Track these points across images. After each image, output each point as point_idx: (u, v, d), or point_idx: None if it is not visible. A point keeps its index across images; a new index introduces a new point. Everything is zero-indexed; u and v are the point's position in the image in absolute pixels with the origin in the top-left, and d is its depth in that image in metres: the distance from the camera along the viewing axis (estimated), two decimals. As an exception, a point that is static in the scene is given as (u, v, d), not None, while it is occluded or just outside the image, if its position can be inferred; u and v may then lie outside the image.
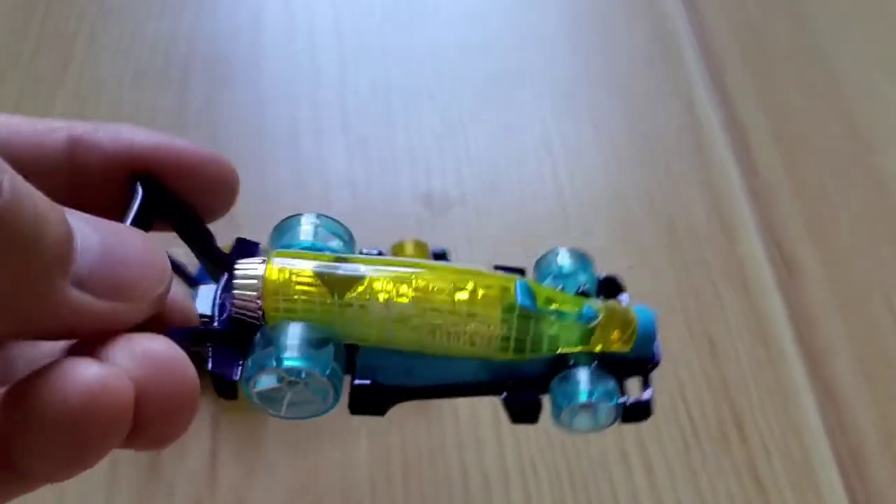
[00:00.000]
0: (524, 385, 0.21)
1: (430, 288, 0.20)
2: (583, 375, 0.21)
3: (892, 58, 0.49)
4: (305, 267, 0.19)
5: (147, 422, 0.16)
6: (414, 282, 0.20)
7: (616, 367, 0.21)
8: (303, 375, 0.19)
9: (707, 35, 0.50)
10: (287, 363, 0.18)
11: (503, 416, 0.36)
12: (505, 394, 0.21)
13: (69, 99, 0.47)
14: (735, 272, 0.41)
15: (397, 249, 0.38)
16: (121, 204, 0.20)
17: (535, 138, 0.46)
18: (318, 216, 0.22)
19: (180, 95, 0.47)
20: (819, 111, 0.47)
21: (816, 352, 0.39)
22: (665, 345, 0.39)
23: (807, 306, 0.40)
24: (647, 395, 0.21)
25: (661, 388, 0.37)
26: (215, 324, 0.20)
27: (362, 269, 0.20)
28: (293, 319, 0.19)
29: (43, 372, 0.15)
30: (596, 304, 0.21)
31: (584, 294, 0.22)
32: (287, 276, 0.19)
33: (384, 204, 0.43)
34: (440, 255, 0.39)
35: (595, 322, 0.21)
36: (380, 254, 0.22)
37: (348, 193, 0.44)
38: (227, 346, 0.19)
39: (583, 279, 0.22)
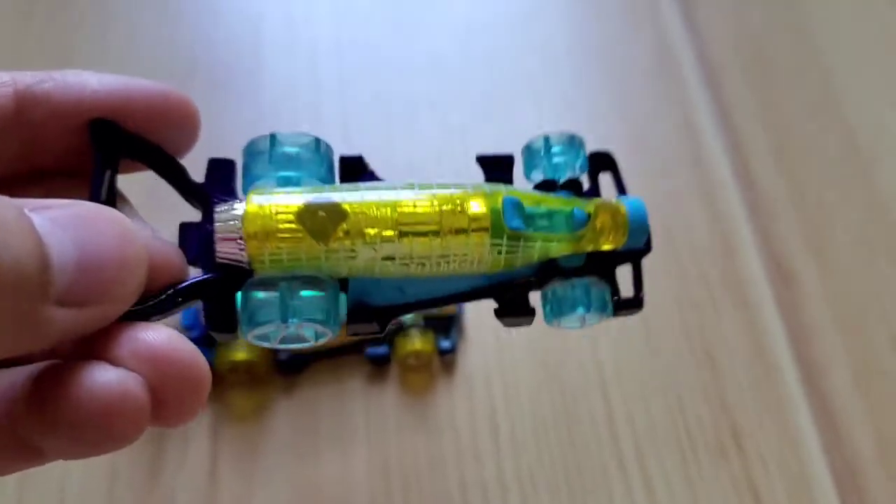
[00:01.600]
0: (516, 288, 0.21)
1: (416, 216, 0.19)
2: (578, 287, 0.21)
3: (891, 73, 0.49)
4: (286, 208, 0.19)
5: (160, 410, 0.17)
6: (399, 209, 0.19)
7: (607, 261, 0.21)
8: (302, 328, 0.19)
9: (706, 50, 0.50)
10: (275, 318, 0.18)
11: (501, 426, 0.37)
12: (497, 306, 0.21)
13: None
14: (733, 286, 0.41)
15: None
16: (81, 151, 0.19)
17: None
18: (296, 135, 0.21)
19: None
20: (818, 126, 0.47)
21: (813, 366, 0.39)
22: (663, 358, 0.40)
23: (804, 320, 0.40)
24: (640, 292, 0.22)
25: (659, 402, 0.38)
26: (203, 274, 0.19)
27: (343, 202, 0.19)
28: (280, 267, 0.19)
29: (65, 373, 0.16)
30: (585, 204, 0.21)
31: (574, 183, 0.22)
32: (268, 219, 0.19)
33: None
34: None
35: (585, 227, 0.21)
36: (359, 158, 0.22)
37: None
38: (218, 296, 0.19)
39: (574, 163, 0.22)
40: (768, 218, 0.44)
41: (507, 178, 0.22)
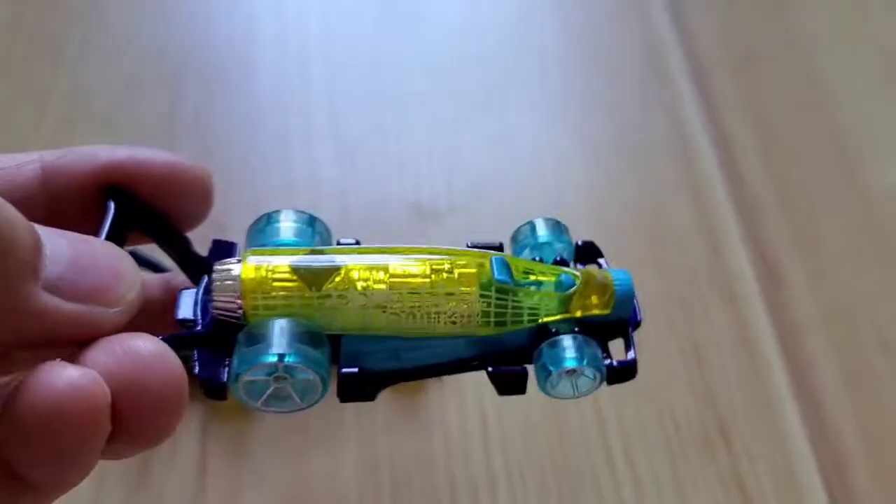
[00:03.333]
0: (509, 357, 0.22)
1: (407, 272, 0.20)
2: (569, 341, 0.21)
3: (878, 73, 0.50)
4: (281, 263, 0.20)
5: (133, 418, 0.16)
6: (390, 267, 0.20)
7: (598, 330, 0.22)
8: (294, 372, 0.19)
9: (696, 50, 0.50)
10: (270, 359, 0.19)
11: (491, 425, 0.37)
12: (490, 368, 0.21)
13: (60, 106, 0.47)
14: (721, 283, 0.41)
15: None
16: (97, 218, 0.20)
17: (525, 149, 0.46)
18: (294, 212, 0.22)
19: (172, 103, 0.47)
20: (806, 125, 0.47)
21: (800, 362, 0.39)
22: (651, 354, 0.40)
23: (791, 317, 0.41)
24: (630, 355, 0.22)
25: (646, 399, 0.38)
26: (198, 328, 0.20)
27: (338, 259, 0.20)
28: (274, 316, 0.19)
29: (25, 378, 0.16)
30: (572, 272, 0.22)
31: (561, 262, 0.23)
32: (263, 273, 0.19)
33: (374, 212, 0.44)
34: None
35: (573, 289, 0.21)
36: (357, 243, 0.22)
37: (338, 202, 0.44)
38: (211, 349, 0.20)
39: (559, 247, 0.23)
40: (756, 216, 0.44)
41: None
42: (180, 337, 0.19)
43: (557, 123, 0.47)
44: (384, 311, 0.20)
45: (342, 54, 0.50)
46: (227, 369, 0.19)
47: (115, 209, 0.20)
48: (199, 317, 0.20)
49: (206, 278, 0.21)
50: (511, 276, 0.21)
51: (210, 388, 0.19)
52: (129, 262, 0.18)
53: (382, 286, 0.20)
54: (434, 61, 0.50)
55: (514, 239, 0.24)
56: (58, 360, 0.16)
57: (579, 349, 0.21)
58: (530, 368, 0.22)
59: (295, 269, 0.19)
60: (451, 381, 0.38)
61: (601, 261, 0.23)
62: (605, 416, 0.38)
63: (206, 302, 0.20)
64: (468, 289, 0.20)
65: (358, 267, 0.20)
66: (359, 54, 0.50)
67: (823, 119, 0.47)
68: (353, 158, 0.46)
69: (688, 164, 0.46)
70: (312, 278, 0.19)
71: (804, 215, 0.44)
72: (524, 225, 0.23)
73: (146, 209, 0.21)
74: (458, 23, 0.51)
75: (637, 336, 0.23)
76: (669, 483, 0.36)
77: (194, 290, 0.21)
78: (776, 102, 0.48)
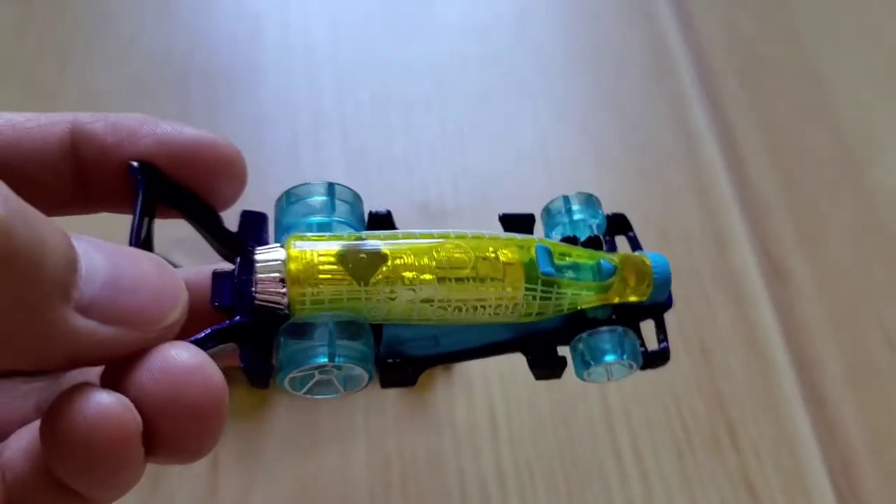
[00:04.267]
0: (545, 341, 0.22)
1: (453, 261, 0.19)
2: (609, 335, 0.21)
3: (882, 73, 0.50)
4: (327, 253, 0.19)
5: (172, 435, 0.16)
6: (436, 256, 0.19)
7: (633, 314, 0.22)
8: (341, 368, 0.19)
9: (701, 51, 0.50)
10: (321, 360, 0.18)
11: (500, 422, 0.37)
12: (530, 357, 0.22)
13: (67, 108, 0.46)
14: (727, 282, 0.42)
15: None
16: (128, 192, 0.20)
17: (531, 150, 0.46)
18: (325, 185, 0.21)
19: (178, 106, 0.47)
20: (811, 125, 0.48)
21: (807, 361, 0.40)
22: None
23: (797, 316, 0.41)
24: (664, 343, 0.22)
25: (654, 397, 0.38)
26: (238, 317, 0.19)
27: (383, 247, 0.19)
28: (320, 308, 0.19)
29: (58, 400, 0.16)
30: (611, 257, 0.22)
31: (594, 239, 0.23)
32: (310, 262, 0.19)
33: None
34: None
35: (612, 278, 0.21)
36: (388, 213, 0.22)
37: (346, 203, 0.44)
38: (254, 340, 0.19)
39: (592, 223, 0.23)
40: (762, 215, 0.44)
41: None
42: (221, 330, 0.19)
43: (563, 123, 0.48)
44: (431, 305, 0.20)
45: (349, 56, 0.50)
46: (271, 362, 0.19)
47: (143, 185, 0.19)
48: (237, 302, 0.19)
49: (239, 259, 0.20)
50: (554, 265, 0.20)
51: (254, 380, 0.19)
52: (173, 278, 0.17)
53: (429, 278, 0.19)
54: (440, 63, 0.50)
55: (547, 212, 0.23)
56: (89, 384, 0.16)
57: (619, 342, 0.21)
58: (565, 350, 0.22)
59: (341, 260, 0.19)
60: (459, 378, 0.38)
61: (631, 234, 0.24)
62: (614, 414, 0.38)
63: (242, 284, 0.19)
64: (515, 283, 0.20)
65: (404, 253, 0.19)
66: (365, 56, 0.50)
67: (829, 119, 0.48)
68: (361, 160, 0.46)
69: (693, 163, 0.46)
70: (359, 271, 0.19)
71: (810, 215, 0.44)
72: (557, 200, 0.23)
73: (176, 187, 0.20)
74: (462, 25, 0.52)
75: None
76: (677, 480, 0.36)
77: (229, 270, 0.20)
78: (782, 102, 0.48)
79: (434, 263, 0.19)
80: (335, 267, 0.19)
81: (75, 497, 0.17)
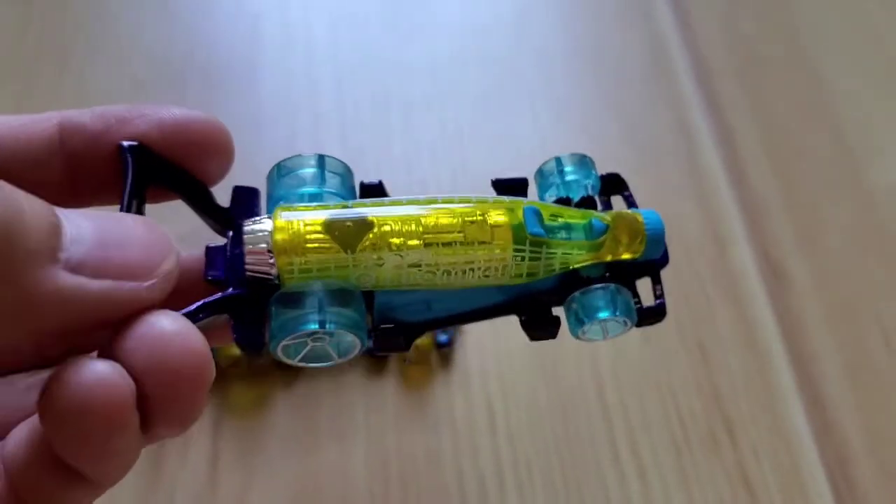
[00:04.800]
0: (539, 302, 0.22)
1: (439, 225, 0.20)
2: (601, 292, 0.21)
3: (880, 73, 0.50)
4: (313, 221, 0.19)
5: (160, 400, 0.17)
6: (423, 221, 0.20)
7: (627, 271, 0.22)
8: (333, 335, 0.19)
9: (700, 51, 0.51)
10: (312, 327, 0.19)
11: (498, 420, 0.37)
12: (524, 317, 0.22)
13: (66, 108, 0.47)
14: (726, 281, 0.42)
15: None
16: (117, 179, 0.20)
17: (531, 150, 0.46)
18: (315, 157, 0.21)
19: (177, 105, 0.47)
20: (809, 125, 0.48)
21: (804, 359, 0.40)
22: (657, 352, 0.40)
23: (795, 315, 0.41)
24: (660, 300, 0.22)
25: (652, 395, 0.38)
26: (230, 290, 0.19)
27: (369, 215, 0.19)
28: (309, 277, 0.19)
29: (55, 372, 0.16)
30: (602, 216, 0.21)
31: (588, 200, 0.22)
32: (296, 233, 0.19)
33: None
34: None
35: (604, 236, 0.21)
36: (379, 183, 0.22)
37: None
38: (247, 310, 0.19)
39: (586, 183, 0.23)
40: (760, 214, 0.44)
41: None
42: (213, 302, 0.19)
43: (562, 124, 0.48)
44: (419, 269, 0.20)
45: (348, 56, 0.50)
46: (263, 332, 0.19)
47: (134, 164, 0.19)
48: (230, 274, 0.20)
49: (231, 233, 0.20)
50: (544, 226, 0.20)
51: (247, 348, 0.19)
52: (161, 233, 0.18)
53: (416, 243, 0.19)
54: (439, 62, 0.50)
55: (540, 173, 0.23)
56: (86, 356, 0.16)
57: (612, 299, 0.21)
58: (559, 311, 0.22)
59: (327, 228, 0.19)
60: (457, 376, 0.38)
61: (627, 194, 0.24)
62: (612, 411, 0.38)
63: (234, 257, 0.20)
64: (502, 244, 0.20)
65: (390, 220, 0.19)
66: (365, 56, 0.50)
67: (827, 118, 0.48)
68: (360, 159, 0.46)
69: (692, 163, 0.46)
70: (346, 238, 0.19)
71: (808, 214, 0.44)
72: (550, 161, 0.23)
73: (165, 164, 0.20)
74: (462, 25, 0.52)
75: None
76: (675, 479, 0.36)
77: (221, 245, 0.20)
78: (781, 102, 0.48)
79: (421, 229, 0.19)
80: (322, 236, 0.19)
81: (77, 479, 0.17)
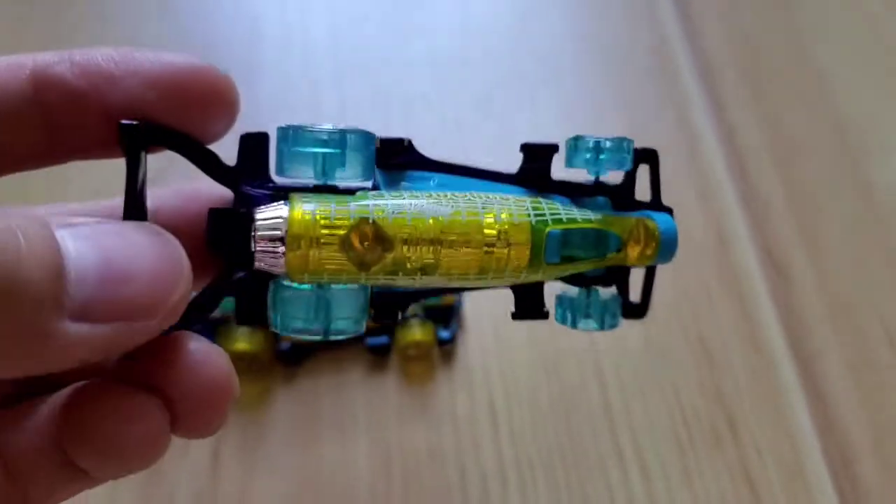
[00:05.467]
0: (535, 285, 0.22)
1: (459, 238, 0.19)
2: (592, 298, 0.22)
3: (883, 69, 0.50)
4: (329, 240, 0.18)
5: (190, 419, 0.17)
6: (443, 238, 0.19)
7: (626, 267, 0.22)
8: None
9: (703, 49, 0.51)
10: (314, 335, 0.19)
11: (500, 417, 0.37)
12: (517, 298, 0.22)
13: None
14: (729, 279, 0.42)
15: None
16: (103, 138, 0.18)
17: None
18: (338, 134, 0.19)
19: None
20: (811, 122, 0.48)
21: (807, 356, 0.40)
22: (660, 350, 0.40)
23: (798, 312, 0.41)
24: (643, 298, 0.23)
25: (655, 393, 0.38)
26: (236, 272, 0.19)
27: (389, 227, 0.18)
28: (317, 281, 0.19)
29: (81, 395, 0.17)
30: (620, 226, 0.21)
31: (610, 188, 0.23)
32: (313, 245, 0.18)
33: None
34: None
35: (616, 254, 0.21)
36: (409, 144, 0.21)
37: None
38: (250, 292, 0.19)
39: (620, 163, 0.22)
40: (762, 211, 0.44)
41: (545, 167, 0.22)
42: (217, 289, 0.19)
43: (564, 123, 0.48)
44: (430, 282, 0.20)
45: (348, 56, 0.50)
46: (265, 311, 0.19)
47: (139, 150, 0.18)
48: (235, 248, 0.19)
49: (236, 195, 0.19)
50: (563, 253, 0.20)
51: (248, 325, 0.20)
52: (170, 251, 0.16)
53: (431, 263, 0.19)
54: (440, 62, 0.50)
55: (575, 145, 0.22)
56: (111, 382, 0.17)
57: (601, 310, 0.22)
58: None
59: (344, 247, 0.18)
60: (460, 373, 0.38)
61: (656, 174, 0.24)
62: (614, 409, 0.38)
63: (241, 231, 0.18)
64: (518, 262, 0.20)
65: (409, 235, 0.19)
66: (365, 56, 0.50)
67: (829, 116, 0.48)
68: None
69: (695, 162, 0.46)
70: (361, 260, 0.18)
71: (810, 211, 0.44)
72: (588, 139, 0.22)
73: (167, 132, 0.18)
74: (463, 23, 0.52)
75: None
76: (678, 476, 0.36)
77: (227, 209, 0.19)
78: (783, 100, 0.49)
79: (438, 254, 0.19)
80: (337, 254, 0.18)
81: (82, 475, 0.17)
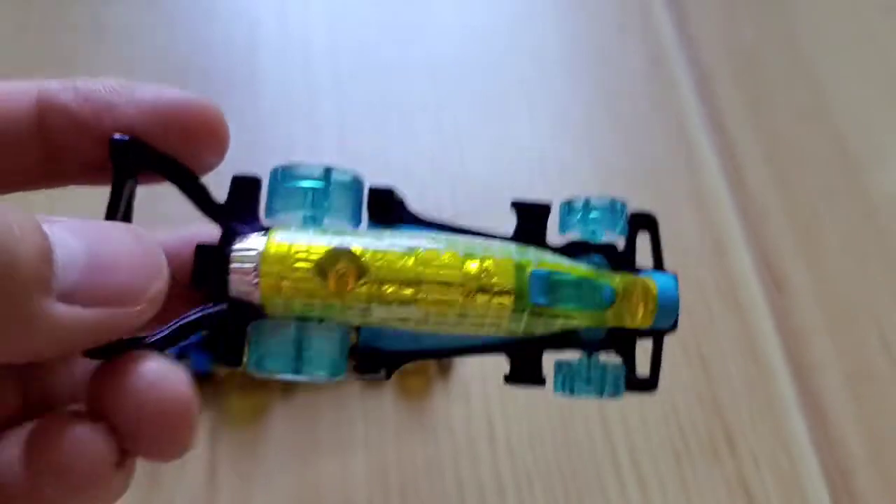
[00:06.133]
0: (531, 348, 0.21)
1: (438, 278, 0.18)
2: (592, 366, 0.20)
3: (880, 79, 0.50)
4: (305, 257, 0.18)
5: (146, 443, 0.17)
6: (420, 271, 0.18)
7: (629, 334, 0.21)
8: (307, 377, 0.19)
9: (699, 57, 0.50)
10: (286, 373, 0.18)
11: (497, 431, 0.37)
12: (512, 363, 0.21)
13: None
14: (726, 290, 0.42)
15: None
16: (102, 165, 0.19)
17: (529, 156, 0.46)
18: (322, 170, 0.20)
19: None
20: (808, 131, 0.48)
21: (805, 368, 0.40)
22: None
23: (796, 323, 0.41)
24: (652, 370, 0.21)
25: (652, 404, 0.38)
26: (212, 305, 0.19)
27: (365, 257, 0.18)
28: (292, 311, 0.19)
29: (39, 428, 0.17)
30: (615, 280, 0.20)
31: (609, 248, 0.21)
32: (286, 268, 0.18)
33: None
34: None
35: (611, 308, 0.20)
36: (390, 192, 0.21)
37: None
38: (227, 328, 0.19)
39: (614, 227, 0.21)
40: (760, 221, 0.44)
41: (540, 228, 0.22)
42: (193, 322, 0.19)
43: (561, 129, 0.48)
44: (408, 322, 0.19)
45: (347, 61, 0.50)
46: (242, 348, 0.19)
47: (124, 162, 0.18)
48: (214, 283, 0.19)
49: (223, 233, 0.19)
50: (549, 294, 0.19)
51: (223, 366, 0.19)
52: (149, 248, 0.17)
53: (409, 295, 0.18)
54: (438, 69, 0.50)
55: (567, 207, 0.22)
56: (67, 413, 0.17)
57: (601, 378, 0.20)
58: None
59: (319, 271, 0.18)
60: (457, 386, 0.38)
61: (656, 239, 0.22)
62: (611, 422, 0.38)
63: (222, 268, 0.19)
64: (500, 309, 0.19)
65: (385, 267, 0.18)
66: (363, 61, 0.50)
67: (826, 125, 0.48)
68: (358, 164, 0.45)
69: (691, 170, 0.46)
70: (336, 285, 0.18)
71: (808, 221, 0.44)
72: (578, 199, 0.22)
73: (161, 159, 0.19)
74: (461, 30, 0.52)
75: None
76: (675, 488, 0.36)
77: (212, 245, 0.19)
78: (779, 108, 0.48)
79: (416, 285, 0.18)
80: (310, 277, 0.18)
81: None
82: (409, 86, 0.49)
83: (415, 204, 0.43)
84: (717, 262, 0.43)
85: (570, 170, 0.46)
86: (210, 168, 0.20)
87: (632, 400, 0.38)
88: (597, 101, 0.49)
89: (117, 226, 0.17)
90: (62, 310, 0.15)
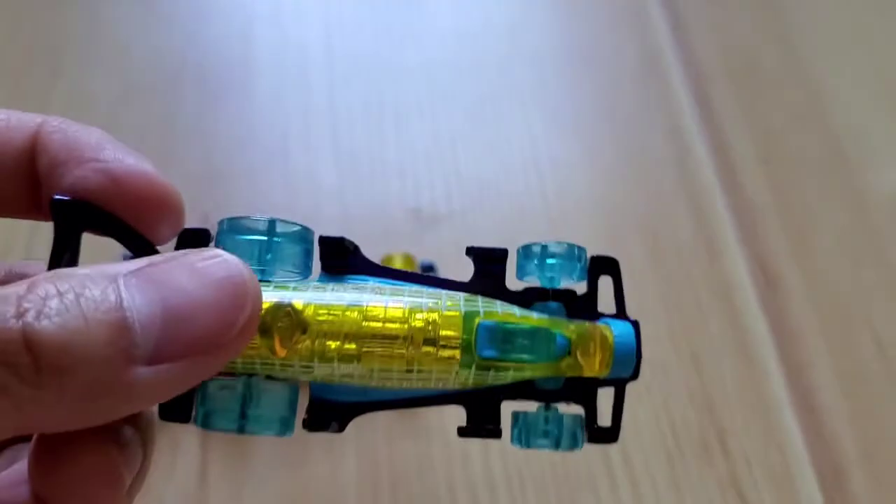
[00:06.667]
0: (488, 398, 0.20)
1: (384, 332, 0.18)
2: (548, 418, 0.20)
3: (874, 80, 0.50)
4: None
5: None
6: (364, 326, 0.18)
7: (588, 382, 0.20)
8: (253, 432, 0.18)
9: (694, 57, 0.50)
10: (230, 428, 0.18)
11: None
12: (469, 414, 0.20)
13: (60, 113, 0.46)
14: (719, 289, 0.42)
15: (386, 261, 0.39)
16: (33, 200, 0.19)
17: (523, 156, 0.46)
18: (266, 223, 0.19)
19: (171, 109, 0.47)
20: (802, 131, 0.48)
21: (797, 367, 0.40)
22: (650, 360, 0.40)
23: (788, 323, 0.41)
24: (614, 420, 0.20)
25: (645, 404, 0.38)
26: None
27: (307, 311, 0.18)
28: (234, 368, 0.18)
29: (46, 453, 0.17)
30: (569, 329, 0.20)
31: (567, 293, 0.21)
32: None
33: (373, 218, 0.44)
34: (428, 269, 0.40)
35: (563, 358, 0.19)
36: (341, 240, 0.20)
37: (338, 207, 0.44)
38: None
39: (571, 275, 0.21)
40: (753, 221, 0.44)
41: (498, 274, 0.21)
42: None
43: (555, 131, 0.48)
44: (352, 378, 0.18)
45: (341, 61, 0.50)
46: (191, 404, 0.19)
47: (64, 223, 0.18)
48: None
49: None
50: (498, 347, 0.19)
51: (174, 422, 0.19)
52: (226, 282, 0.16)
53: (352, 351, 0.18)
54: (433, 69, 0.50)
55: (524, 253, 0.21)
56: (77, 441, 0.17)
57: (557, 430, 0.20)
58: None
59: (260, 329, 0.17)
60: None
61: (617, 283, 0.21)
62: (604, 419, 0.38)
63: None
64: (447, 363, 0.18)
65: (327, 323, 0.18)
66: (358, 61, 0.50)
67: (820, 126, 0.48)
68: (353, 164, 0.46)
69: (686, 171, 0.46)
70: (275, 341, 0.18)
71: (801, 221, 0.44)
72: (536, 245, 0.21)
73: (105, 216, 0.18)
74: (456, 32, 0.52)
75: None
76: (667, 488, 0.36)
77: None
78: (773, 110, 0.48)
79: (360, 339, 0.18)
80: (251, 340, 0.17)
81: None
82: (403, 86, 0.49)
83: (409, 201, 0.44)
84: (710, 261, 0.43)
85: (564, 170, 0.46)
86: (164, 241, 0.19)
87: (625, 400, 0.38)
88: (591, 100, 0.49)
89: (182, 263, 0.16)
90: (149, 373, 0.15)
